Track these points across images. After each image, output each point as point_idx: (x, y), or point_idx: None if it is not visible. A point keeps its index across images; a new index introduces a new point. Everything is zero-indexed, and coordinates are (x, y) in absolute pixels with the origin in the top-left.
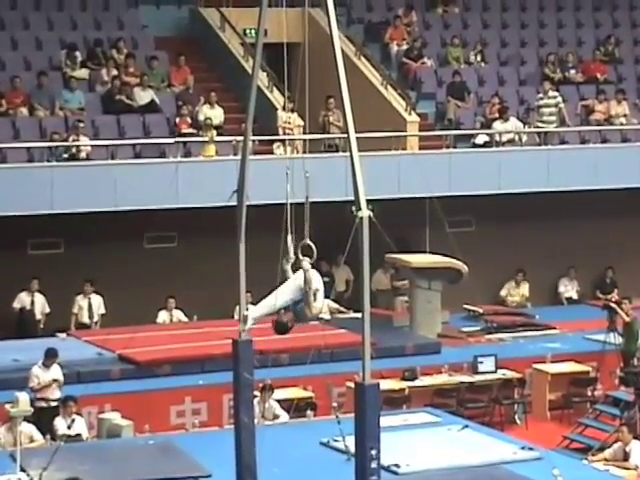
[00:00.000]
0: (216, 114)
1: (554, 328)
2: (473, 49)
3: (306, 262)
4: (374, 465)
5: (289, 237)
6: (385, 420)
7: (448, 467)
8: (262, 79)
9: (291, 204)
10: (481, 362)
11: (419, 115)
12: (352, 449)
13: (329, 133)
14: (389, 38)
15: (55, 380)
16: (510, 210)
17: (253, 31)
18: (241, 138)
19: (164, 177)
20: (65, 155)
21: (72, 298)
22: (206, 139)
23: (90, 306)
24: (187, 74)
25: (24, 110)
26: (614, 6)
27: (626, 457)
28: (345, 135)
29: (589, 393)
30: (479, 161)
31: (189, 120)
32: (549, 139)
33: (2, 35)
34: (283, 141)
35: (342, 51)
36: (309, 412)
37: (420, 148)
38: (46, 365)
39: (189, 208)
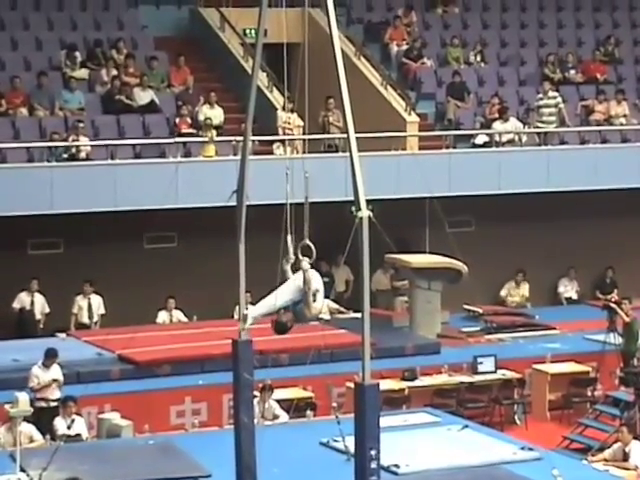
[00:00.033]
0: (216, 114)
1: (554, 328)
2: (473, 49)
3: (306, 262)
4: (374, 465)
5: (289, 237)
6: (385, 420)
7: (448, 467)
8: (262, 79)
9: (291, 204)
10: (481, 362)
11: (419, 115)
12: (352, 449)
13: (329, 133)
14: (389, 38)
15: (55, 380)
16: (510, 210)
17: (253, 31)
18: (241, 138)
19: (164, 177)
20: (65, 155)
21: (72, 298)
22: (206, 139)
23: (90, 306)
24: (187, 74)
25: (24, 110)
26: (614, 6)
27: (626, 457)
28: (345, 135)
29: (589, 393)
30: (479, 161)
31: (189, 120)
32: (549, 139)
33: (2, 35)
34: (283, 141)
35: (342, 51)
36: (309, 412)
37: (420, 148)
38: (46, 365)
39: (189, 208)
